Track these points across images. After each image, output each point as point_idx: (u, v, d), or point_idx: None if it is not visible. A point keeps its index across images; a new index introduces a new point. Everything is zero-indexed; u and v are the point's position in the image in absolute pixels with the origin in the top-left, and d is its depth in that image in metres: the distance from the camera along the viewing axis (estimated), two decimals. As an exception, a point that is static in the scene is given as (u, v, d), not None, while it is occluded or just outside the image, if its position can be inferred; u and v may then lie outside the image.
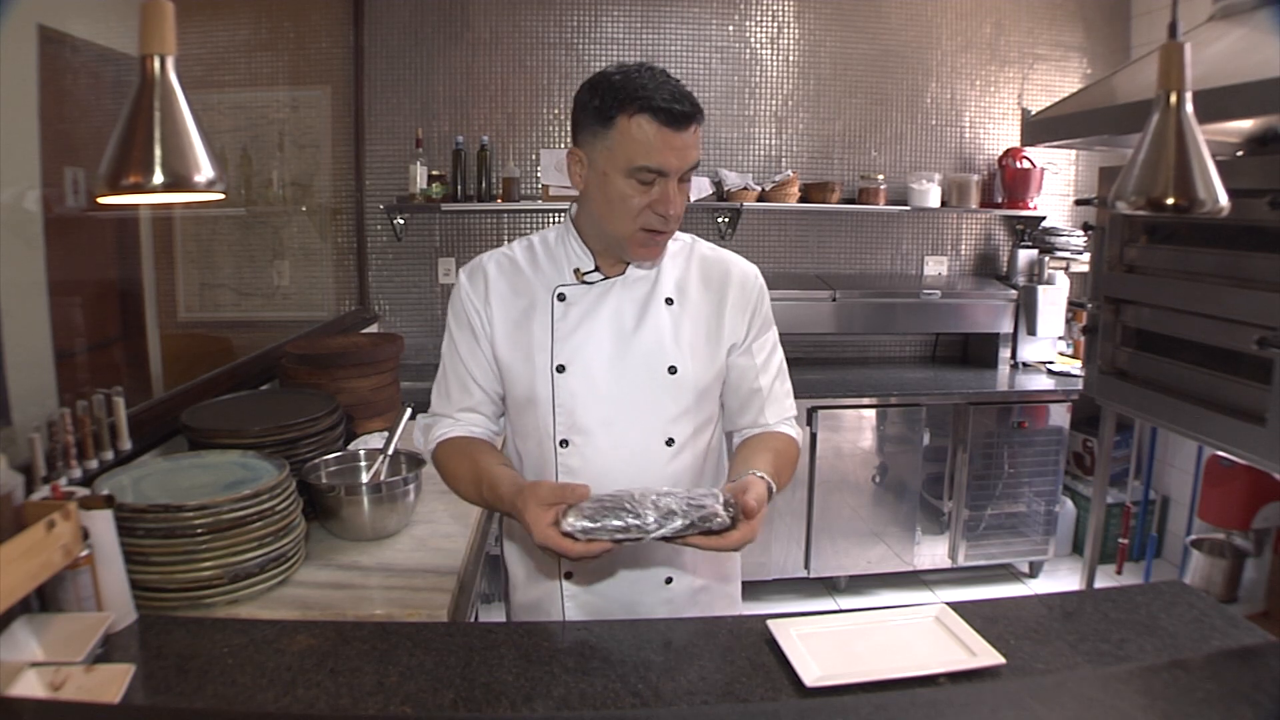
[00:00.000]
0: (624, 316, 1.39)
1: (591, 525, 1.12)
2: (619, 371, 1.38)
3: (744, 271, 1.48)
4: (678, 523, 1.12)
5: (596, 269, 1.40)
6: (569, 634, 1.27)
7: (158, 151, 0.92)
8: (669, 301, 1.41)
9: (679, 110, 1.23)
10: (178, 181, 0.93)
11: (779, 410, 1.49)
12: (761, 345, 1.48)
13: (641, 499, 1.13)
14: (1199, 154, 1.22)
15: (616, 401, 1.38)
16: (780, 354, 1.52)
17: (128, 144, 0.93)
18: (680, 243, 1.46)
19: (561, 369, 1.38)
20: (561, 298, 1.40)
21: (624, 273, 1.40)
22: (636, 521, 1.12)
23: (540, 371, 1.38)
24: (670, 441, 1.40)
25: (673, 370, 1.38)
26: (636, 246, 1.33)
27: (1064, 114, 2.81)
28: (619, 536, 1.12)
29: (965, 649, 1.19)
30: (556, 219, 3.94)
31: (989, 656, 1.16)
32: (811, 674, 1.12)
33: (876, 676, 1.12)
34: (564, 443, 1.39)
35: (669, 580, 1.46)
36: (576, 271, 1.40)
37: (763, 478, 1.26)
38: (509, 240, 1.51)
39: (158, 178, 0.92)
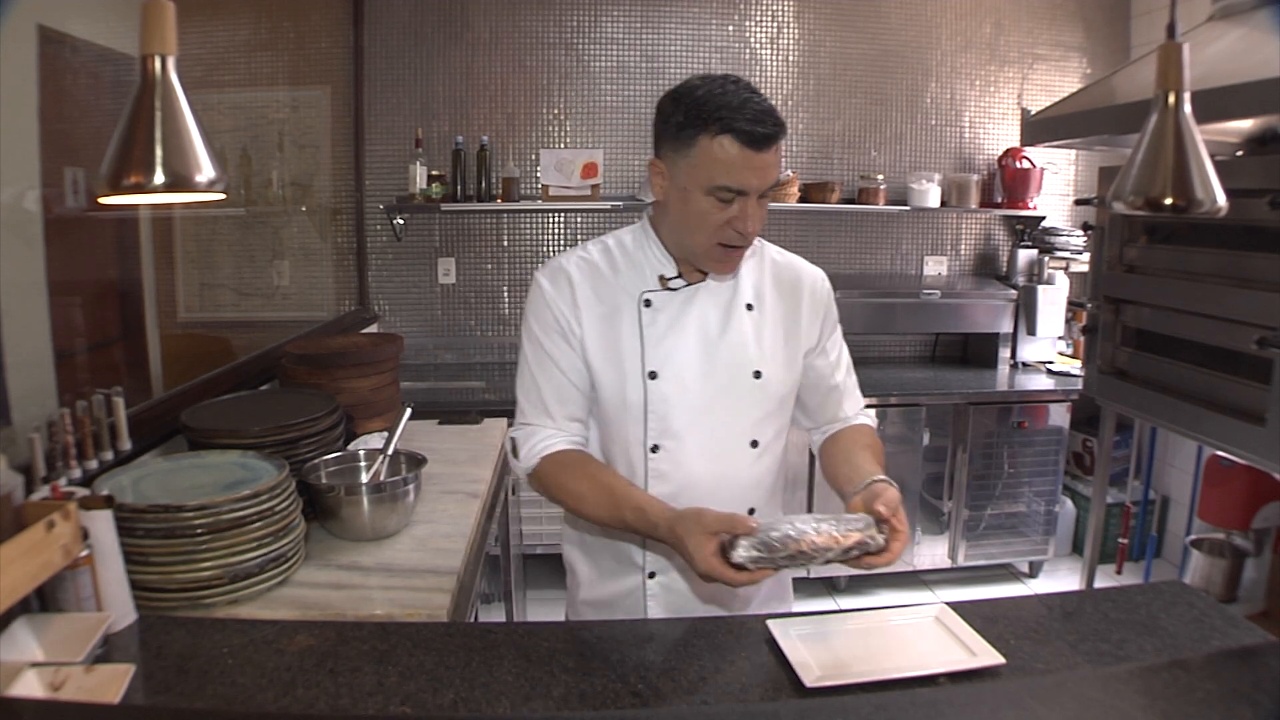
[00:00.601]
0: (709, 322, 1.41)
1: (761, 555, 1.13)
2: (707, 377, 1.40)
3: (814, 276, 1.51)
4: (839, 549, 1.15)
5: (679, 275, 1.41)
6: (569, 634, 1.27)
7: (159, 151, 0.93)
8: (749, 307, 1.43)
9: (761, 132, 1.22)
10: (179, 181, 0.93)
11: (854, 402, 1.56)
12: (833, 344, 1.53)
13: (803, 528, 1.15)
14: (1197, 154, 1.22)
15: (705, 406, 1.40)
16: (846, 349, 1.56)
17: (129, 144, 0.93)
18: (750, 246, 1.47)
19: (653, 375, 1.38)
20: (648, 303, 1.40)
21: (705, 279, 1.42)
22: (804, 550, 1.13)
23: (631, 377, 1.39)
24: (754, 444, 1.43)
25: (757, 375, 1.41)
26: (713, 261, 1.35)
27: (1064, 114, 2.81)
28: (785, 565, 1.14)
29: (965, 649, 1.19)
30: (557, 219, 3.95)
31: (989, 656, 1.16)
32: (811, 674, 1.12)
33: (876, 677, 1.12)
34: (655, 448, 1.40)
35: None
36: (661, 278, 1.40)
37: (888, 482, 1.28)
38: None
39: (159, 178, 0.92)
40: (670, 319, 1.40)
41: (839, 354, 1.54)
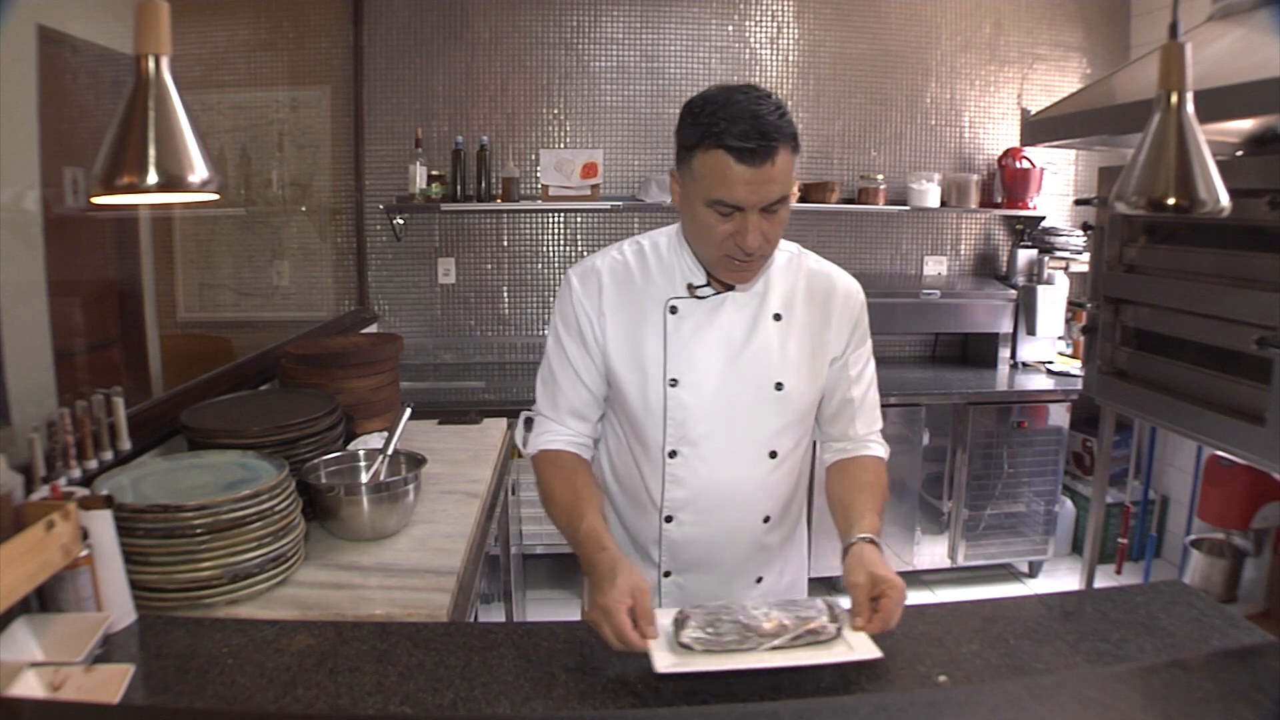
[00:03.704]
0: (734, 331, 1.40)
1: (707, 636, 1.14)
2: (728, 386, 1.40)
3: (847, 286, 1.49)
4: (788, 635, 1.15)
5: (708, 284, 1.40)
6: (569, 634, 1.27)
7: (152, 152, 0.92)
8: (777, 317, 1.42)
9: (748, 149, 1.20)
10: (172, 182, 0.93)
11: (868, 422, 1.51)
12: (858, 358, 1.50)
13: (753, 613, 1.16)
14: (1200, 154, 1.22)
15: (725, 416, 1.40)
16: (873, 366, 1.53)
17: (122, 144, 0.92)
18: (787, 254, 1.46)
19: (674, 382, 1.39)
20: (674, 310, 1.40)
21: (734, 288, 1.41)
22: (751, 634, 1.14)
23: (653, 383, 1.40)
24: (773, 454, 1.43)
25: (779, 386, 1.41)
26: (723, 271, 1.35)
27: (1063, 114, 2.81)
28: (733, 648, 1.14)
29: (846, 644, 1.15)
30: (556, 219, 3.95)
31: (866, 651, 1.13)
32: (665, 660, 1.10)
33: (733, 666, 1.10)
34: (673, 453, 1.41)
35: (759, 580, 1.51)
36: (690, 286, 1.40)
37: (873, 541, 1.28)
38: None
39: (152, 178, 0.92)
40: (695, 327, 1.40)
41: (862, 368, 1.50)
